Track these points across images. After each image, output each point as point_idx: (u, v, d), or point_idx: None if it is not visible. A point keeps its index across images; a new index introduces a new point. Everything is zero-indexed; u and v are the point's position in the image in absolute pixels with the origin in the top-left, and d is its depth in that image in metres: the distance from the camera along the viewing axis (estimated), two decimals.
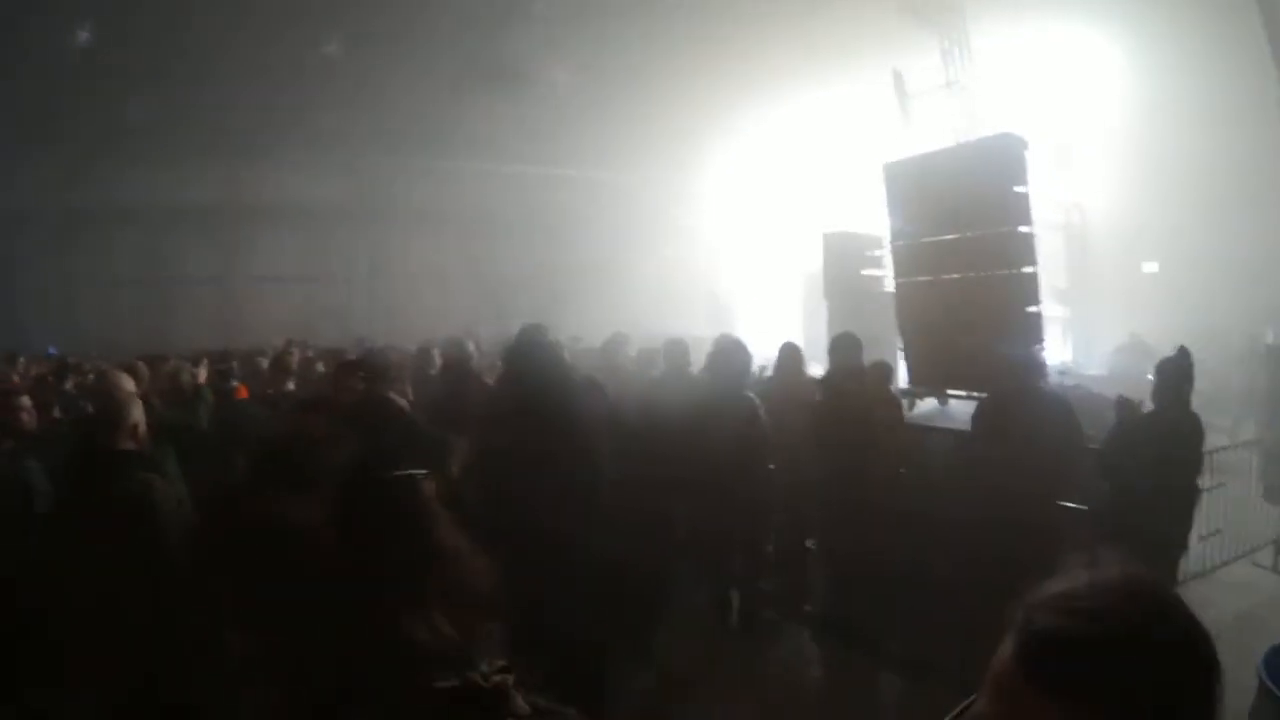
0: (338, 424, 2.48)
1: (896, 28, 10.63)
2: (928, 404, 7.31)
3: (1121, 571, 0.66)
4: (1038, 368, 4.12)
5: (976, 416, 3.98)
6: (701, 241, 17.20)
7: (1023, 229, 5.98)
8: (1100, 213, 11.81)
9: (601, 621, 2.85)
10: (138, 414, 2.43)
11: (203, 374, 4.83)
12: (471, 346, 5.35)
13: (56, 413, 4.30)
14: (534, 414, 2.89)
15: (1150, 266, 11.33)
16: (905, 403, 6.38)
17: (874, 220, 8.80)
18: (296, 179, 15.06)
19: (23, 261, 13.04)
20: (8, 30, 10.30)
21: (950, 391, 6.98)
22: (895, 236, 7.22)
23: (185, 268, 14.67)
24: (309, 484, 1.84)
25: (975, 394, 5.61)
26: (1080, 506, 3.70)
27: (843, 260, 9.90)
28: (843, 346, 4.54)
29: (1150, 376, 3.81)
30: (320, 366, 6.05)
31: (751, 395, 4.24)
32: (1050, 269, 8.47)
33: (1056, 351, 9.83)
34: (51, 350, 9.19)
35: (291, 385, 4.87)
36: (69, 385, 5.34)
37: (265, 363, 5.59)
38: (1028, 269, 5.98)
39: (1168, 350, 3.86)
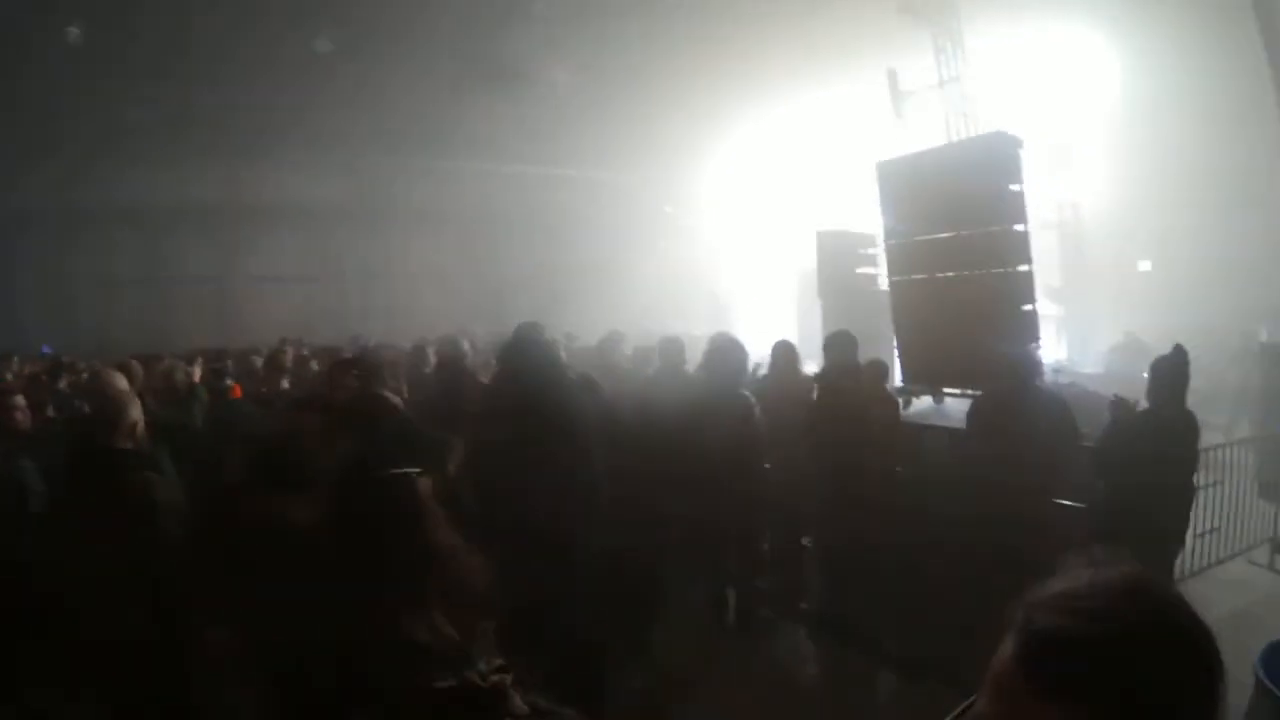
0: (332, 422, 2.49)
1: (894, 27, 10.61)
2: (923, 402, 7.31)
3: (1122, 571, 0.65)
4: (1033, 366, 4.10)
5: (972, 414, 3.99)
6: (701, 241, 17.19)
7: (1017, 227, 5.98)
8: (1095, 211, 11.78)
9: (599, 620, 2.86)
10: (136, 413, 2.42)
11: (197, 373, 4.82)
12: (466, 345, 5.36)
13: (50, 412, 4.30)
14: (529, 412, 2.89)
15: (1145, 265, 11.32)
16: (901, 401, 6.39)
17: (869, 219, 8.82)
18: (296, 179, 15.03)
19: (23, 261, 13.02)
20: (8, 30, 10.26)
21: (945, 390, 6.99)
22: (889, 235, 7.22)
23: (185, 268, 14.63)
24: (304, 483, 1.85)
25: (970, 392, 5.63)
26: (1076, 504, 3.72)
27: (837, 259, 9.89)
28: (838, 345, 4.55)
29: (1145, 374, 3.81)
30: (315, 365, 6.04)
31: (747, 393, 4.23)
32: (1045, 267, 8.49)
33: (1052, 350, 9.80)
34: (45, 349, 9.17)
35: (286, 384, 4.88)
36: (63, 384, 5.34)
37: (260, 362, 5.58)
38: (1022, 267, 5.98)
39: (1163, 348, 3.85)
